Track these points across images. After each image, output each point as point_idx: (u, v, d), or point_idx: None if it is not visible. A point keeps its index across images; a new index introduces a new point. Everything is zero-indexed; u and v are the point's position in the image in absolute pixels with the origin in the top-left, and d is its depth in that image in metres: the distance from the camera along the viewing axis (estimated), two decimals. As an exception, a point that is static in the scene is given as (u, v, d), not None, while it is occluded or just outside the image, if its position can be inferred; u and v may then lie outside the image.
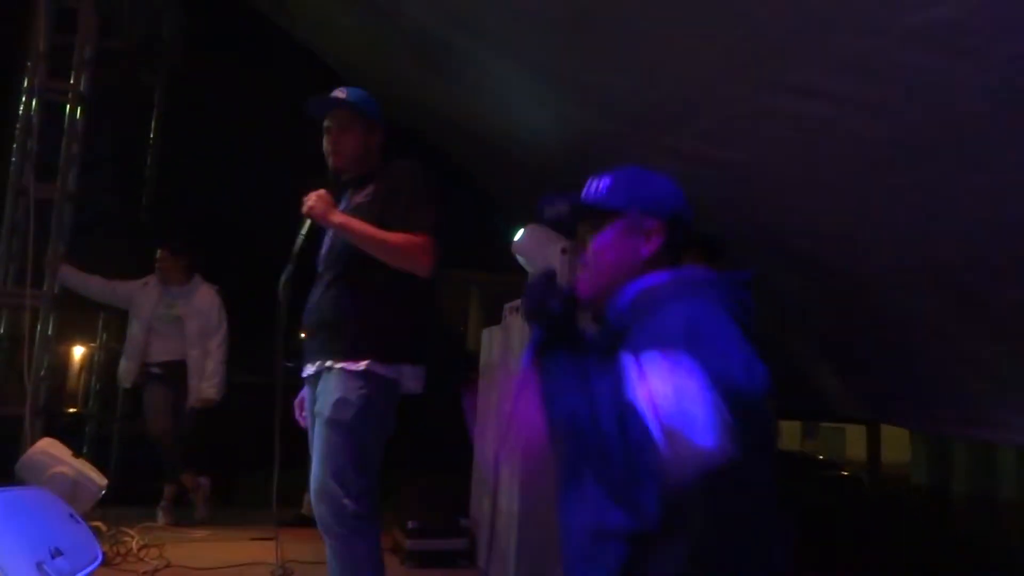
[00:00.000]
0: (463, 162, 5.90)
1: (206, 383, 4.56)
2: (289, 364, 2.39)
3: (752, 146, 2.82)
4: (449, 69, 4.10)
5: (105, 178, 5.78)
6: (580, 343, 1.39)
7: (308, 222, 2.30)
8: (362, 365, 2.21)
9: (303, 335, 2.46)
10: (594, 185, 1.43)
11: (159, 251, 4.69)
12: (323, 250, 2.45)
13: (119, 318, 5.11)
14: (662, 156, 3.22)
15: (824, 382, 5.27)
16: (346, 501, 2.16)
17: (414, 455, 6.23)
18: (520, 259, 3.57)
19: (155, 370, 4.59)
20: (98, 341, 5.68)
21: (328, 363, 2.26)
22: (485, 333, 4.23)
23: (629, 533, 1.18)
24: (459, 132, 5.01)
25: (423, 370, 2.35)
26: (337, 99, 2.41)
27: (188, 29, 6.40)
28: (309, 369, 2.34)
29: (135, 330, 4.61)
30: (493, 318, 4.20)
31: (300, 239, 2.33)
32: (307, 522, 4.17)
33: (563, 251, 3.61)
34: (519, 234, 3.53)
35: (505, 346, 3.82)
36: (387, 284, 2.27)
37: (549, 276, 1.44)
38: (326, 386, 2.25)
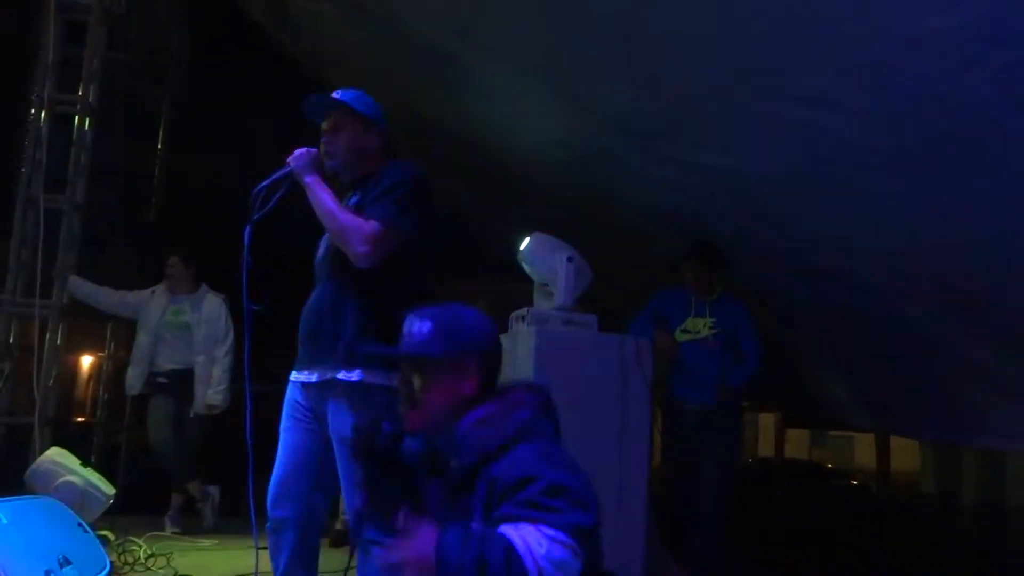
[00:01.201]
0: (469, 173, 5.92)
1: (212, 390, 4.58)
2: (255, 308, 2.36)
3: (753, 154, 2.83)
4: (451, 82, 4.12)
5: (113, 189, 5.82)
6: (408, 473, 1.63)
7: (284, 172, 2.27)
8: (375, 378, 2.17)
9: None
10: (415, 328, 1.59)
11: (171, 258, 4.72)
12: (319, 253, 2.40)
13: (127, 328, 5.14)
14: (663, 165, 3.24)
15: (831, 393, 5.26)
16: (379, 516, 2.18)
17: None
18: (525, 267, 3.58)
19: (161, 379, 4.61)
20: (106, 351, 5.71)
21: (328, 374, 2.21)
22: (491, 342, 4.23)
23: None
24: (463, 143, 5.03)
25: None
26: (329, 99, 2.35)
27: (195, 42, 6.46)
28: (307, 376, 2.30)
29: (142, 339, 4.64)
30: (500, 327, 4.20)
31: (269, 181, 2.28)
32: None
33: (569, 259, 3.63)
34: (525, 242, 3.55)
35: (511, 355, 3.82)
36: (388, 286, 2.21)
37: (374, 423, 1.66)
38: (337, 404, 2.20)
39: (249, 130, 6.46)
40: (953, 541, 6.86)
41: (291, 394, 2.38)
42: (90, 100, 4.51)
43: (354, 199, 2.30)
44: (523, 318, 3.76)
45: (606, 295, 4.74)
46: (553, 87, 3.50)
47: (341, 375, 2.18)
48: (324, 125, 2.35)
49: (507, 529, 1.33)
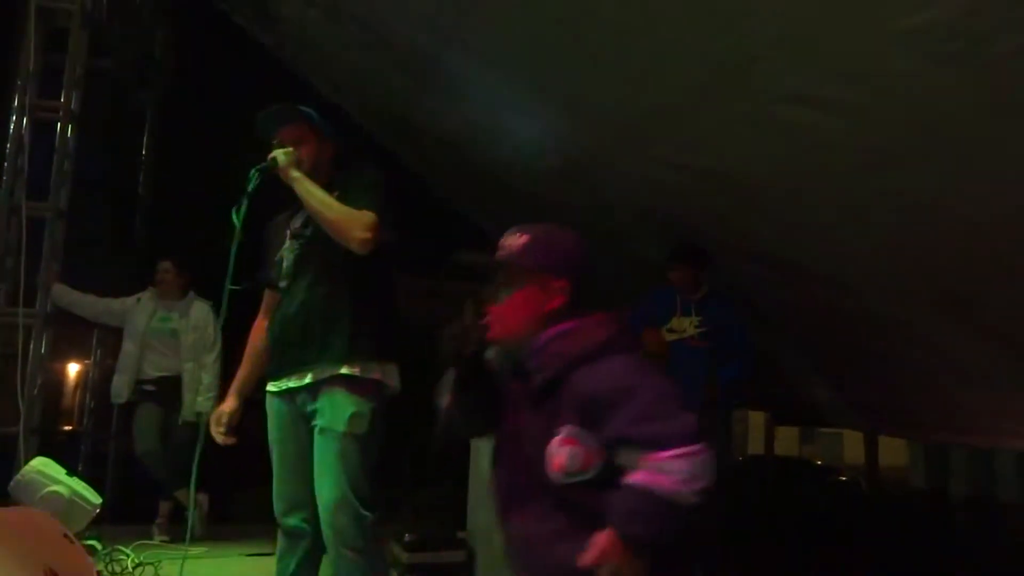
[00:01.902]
0: (457, 175, 5.92)
1: (201, 396, 4.56)
2: (237, 287, 2.38)
3: (740, 154, 2.84)
4: (438, 86, 4.11)
5: (98, 196, 5.78)
6: (491, 379, 1.66)
7: (261, 170, 2.34)
8: (371, 373, 2.27)
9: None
10: (511, 241, 1.64)
11: (163, 263, 4.69)
12: (285, 263, 2.45)
13: (114, 335, 5.10)
14: (651, 166, 3.24)
15: (817, 393, 5.27)
16: (365, 512, 2.22)
17: (412, 468, 6.23)
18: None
19: (148, 387, 4.58)
20: (93, 358, 5.67)
21: (326, 372, 2.26)
22: (480, 345, 4.22)
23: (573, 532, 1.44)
24: (450, 146, 5.02)
25: (398, 367, 2.39)
26: (291, 112, 2.43)
27: (179, 47, 6.43)
28: (296, 381, 2.32)
29: (129, 346, 4.61)
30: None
31: (255, 176, 2.34)
32: None
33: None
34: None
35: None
36: (366, 282, 2.31)
37: (469, 324, 1.68)
38: (331, 398, 2.25)
39: (235, 135, 6.43)
40: (942, 536, 6.90)
41: (276, 405, 2.40)
42: (72, 107, 4.48)
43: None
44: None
45: (595, 296, 4.74)
46: (539, 89, 3.49)
47: (344, 370, 2.25)
48: (280, 139, 2.41)
49: (638, 477, 1.38)
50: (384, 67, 4.43)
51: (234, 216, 2.36)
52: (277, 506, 2.39)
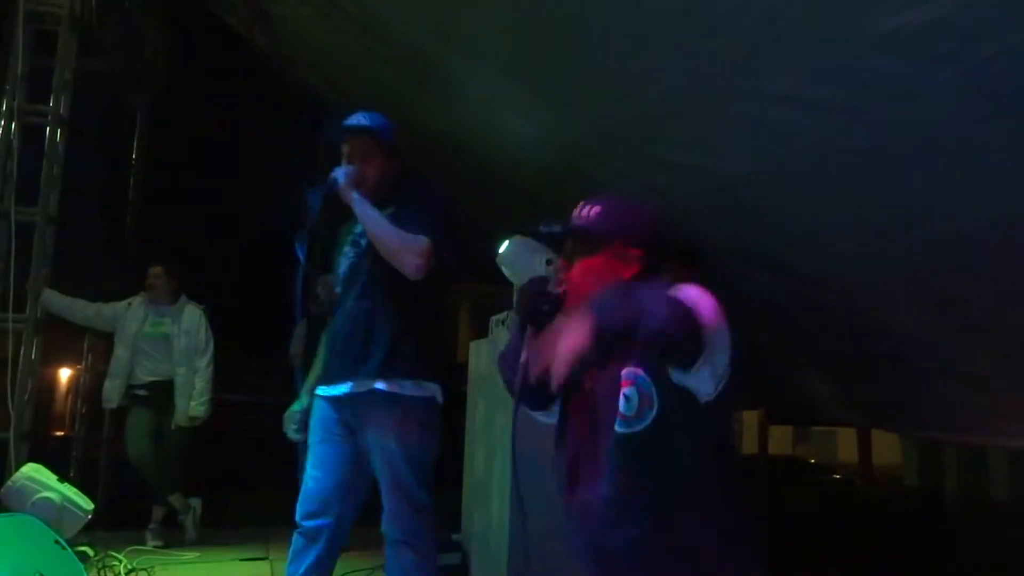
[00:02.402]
0: (452, 175, 5.91)
1: (195, 401, 4.55)
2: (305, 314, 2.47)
3: (731, 154, 2.84)
4: (435, 84, 4.11)
5: (88, 200, 5.76)
6: None
7: (335, 183, 2.35)
8: (407, 391, 2.31)
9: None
10: (585, 210, 1.65)
11: (155, 268, 4.68)
12: (341, 269, 2.51)
13: (105, 340, 5.08)
14: (644, 166, 3.24)
15: (813, 390, 5.28)
16: (421, 524, 2.31)
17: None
18: (505, 270, 3.57)
19: (140, 391, 4.56)
20: (84, 363, 5.64)
21: (364, 386, 2.31)
22: (473, 346, 4.22)
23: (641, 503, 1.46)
24: (446, 146, 5.02)
25: (441, 385, 2.46)
26: (360, 127, 2.48)
27: (170, 50, 6.40)
28: (336, 389, 2.38)
29: (120, 351, 4.59)
30: (483, 330, 4.19)
31: (318, 201, 2.34)
32: None
33: (548, 262, 3.62)
34: (504, 246, 3.54)
35: (493, 359, 3.80)
36: (413, 300, 2.35)
37: (542, 281, 1.69)
38: (384, 412, 2.30)
39: (227, 138, 6.41)
40: (935, 534, 6.92)
41: (321, 409, 2.45)
42: (61, 111, 4.46)
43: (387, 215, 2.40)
44: (503, 322, 3.76)
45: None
46: (533, 88, 3.49)
47: (378, 385, 2.29)
48: (350, 149, 2.48)
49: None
50: (379, 64, 4.42)
51: (297, 249, 2.36)
52: (302, 507, 2.42)
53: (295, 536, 2.41)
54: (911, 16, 1.94)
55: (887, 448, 11.66)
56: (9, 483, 3.40)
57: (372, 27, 3.94)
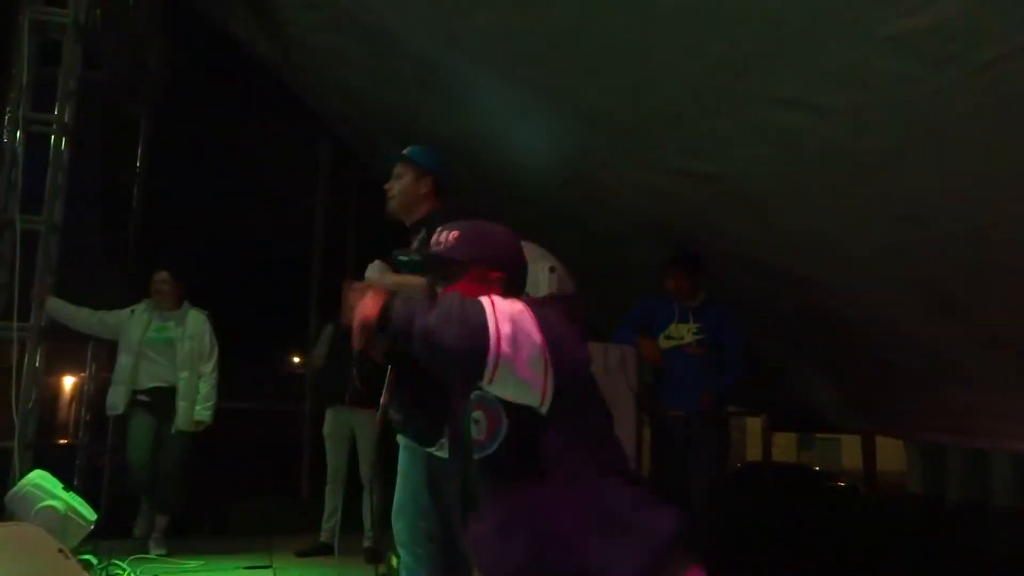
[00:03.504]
0: (460, 181, 5.91)
1: (200, 405, 4.54)
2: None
3: (737, 159, 2.84)
4: (439, 90, 4.12)
5: (92, 208, 5.77)
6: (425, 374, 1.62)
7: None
8: None
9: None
10: (443, 236, 1.65)
11: (160, 273, 4.68)
12: None
13: (109, 348, 5.08)
14: (650, 171, 3.24)
15: (817, 395, 5.27)
16: (422, 523, 2.39)
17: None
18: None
19: (142, 397, 4.55)
20: (88, 371, 5.63)
21: None
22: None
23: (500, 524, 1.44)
24: (451, 150, 5.02)
25: None
26: (396, 155, 2.76)
27: (173, 59, 6.41)
28: None
29: (124, 358, 4.58)
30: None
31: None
32: (327, 550, 4.30)
33: (551, 269, 3.62)
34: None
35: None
36: None
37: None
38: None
39: (229, 146, 6.42)
40: (940, 540, 6.89)
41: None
42: (66, 120, 4.46)
43: (421, 235, 2.60)
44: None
45: (590, 303, 4.74)
46: (538, 95, 3.50)
47: None
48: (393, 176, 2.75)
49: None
50: (387, 72, 4.43)
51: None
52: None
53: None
54: (917, 19, 1.95)
55: (891, 455, 11.62)
56: (15, 489, 3.40)
57: (379, 32, 3.96)
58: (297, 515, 5.25)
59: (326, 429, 4.68)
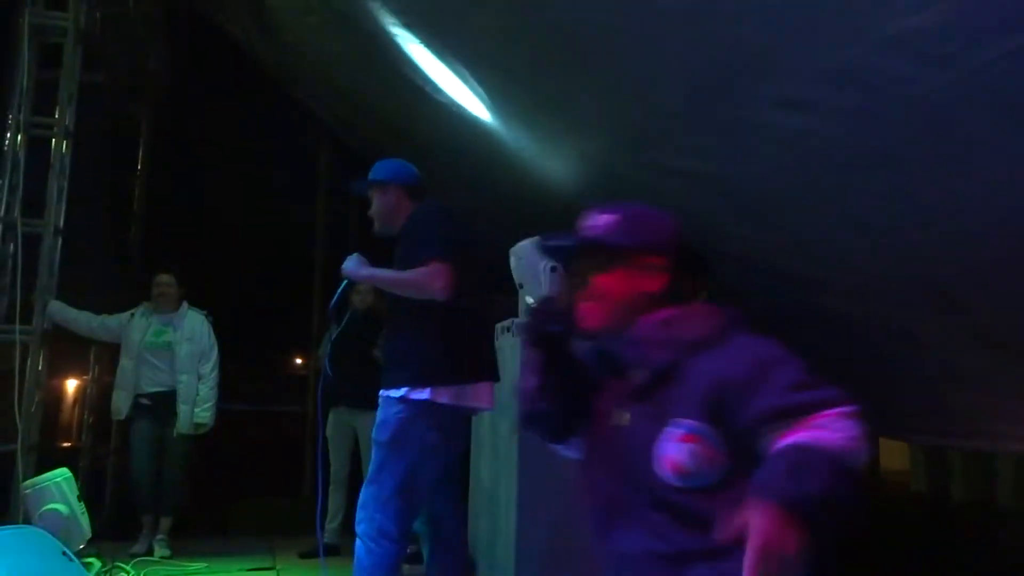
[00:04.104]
0: (455, 185, 5.92)
1: (200, 407, 4.54)
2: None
3: (736, 159, 2.84)
4: (436, 96, 4.12)
5: (93, 211, 5.78)
6: (574, 363, 1.50)
7: (344, 282, 2.74)
8: (399, 391, 2.58)
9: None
10: (596, 220, 1.46)
11: (162, 276, 4.69)
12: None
13: (111, 351, 5.09)
14: (645, 172, 3.24)
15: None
16: (378, 515, 2.52)
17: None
18: (512, 260, 3.62)
19: (145, 401, 4.56)
20: (90, 374, 5.65)
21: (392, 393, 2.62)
22: (478, 354, 4.21)
23: (698, 551, 1.26)
24: (449, 155, 5.03)
25: (467, 387, 2.66)
26: (359, 183, 2.92)
27: (173, 61, 6.43)
28: None
29: (126, 362, 4.59)
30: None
31: (336, 297, 2.82)
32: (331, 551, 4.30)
33: (552, 269, 3.62)
34: (523, 242, 3.58)
35: (498, 366, 3.80)
36: (412, 317, 2.63)
37: (550, 300, 1.52)
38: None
39: (230, 148, 6.43)
40: (943, 539, 6.89)
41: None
42: (67, 123, 4.48)
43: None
44: (508, 329, 3.75)
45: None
46: (535, 98, 3.50)
47: (386, 393, 2.65)
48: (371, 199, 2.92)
49: (795, 435, 1.17)
50: (385, 76, 4.43)
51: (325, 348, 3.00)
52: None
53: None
54: (917, 19, 1.95)
55: (894, 454, 11.61)
56: (37, 480, 3.45)
57: (376, 35, 3.96)
58: (297, 516, 5.27)
59: (328, 430, 4.69)
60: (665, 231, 1.49)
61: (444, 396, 2.56)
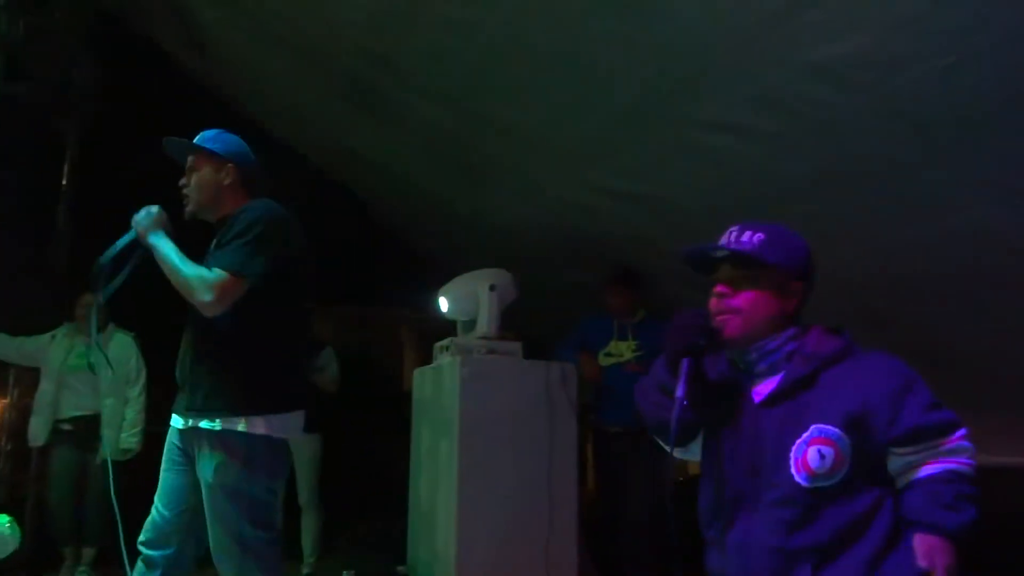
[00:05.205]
0: (397, 203, 5.89)
1: (126, 432, 4.35)
2: None
3: (669, 180, 2.90)
4: (375, 113, 4.10)
5: (13, 228, 5.56)
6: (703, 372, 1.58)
7: (131, 234, 2.26)
8: (237, 424, 2.11)
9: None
10: (747, 236, 1.53)
11: (86, 296, 4.45)
12: None
13: (32, 373, 4.86)
14: (584, 191, 3.27)
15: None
16: (250, 563, 2.12)
17: (352, 501, 6.09)
18: (453, 318, 3.67)
19: (65, 426, 4.35)
20: (9, 398, 5.39)
21: (200, 422, 2.14)
22: (417, 374, 4.18)
23: (809, 549, 1.43)
24: (391, 174, 5.00)
25: (298, 415, 2.25)
26: (183, 142, 2.32)
27: (103, 75, 6.25)
28: (178, 421, 2.26)
29: (45, 385, 4.37)
30: (427, 358, 4.15)
31: (113, 250, 2.28)
32: None
33: (491, 287, 3.63)
34: (442, 303, 3.65)
35: (437, 386, 3.78)
36: (247, 330, 2.14)
37: (697, 314, 1.57)
38: (204, 448, 2.14)
39: (163, 165, 6.27)
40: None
41: (170, 436, 2.31)
42: (-14, 136, 4.30)
43: (213, 243, 2.23)
44: (447, 348, 3.73)
45: (532, 322, 4.75)
46: (472, 115, 3.51)
47: (203, 424, 2.12)
48: (186, 170, 2.32)
49: (942, 464, 1.42)
50: (320, 94, 4.39)
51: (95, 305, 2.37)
52: (144, 531, 2.26)
53: (138, 561, 2.25)
54: (835, 47, 2.03)
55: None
56: None
57: (308, 53, 3.92)
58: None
59: None
60: (803, 255, 1.57)
61: (283, 428, 2.20)
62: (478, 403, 3.35)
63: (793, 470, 1.44)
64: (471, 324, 3.70)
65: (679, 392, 1.50)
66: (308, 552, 4.34)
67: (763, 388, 1.53)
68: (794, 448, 1.45)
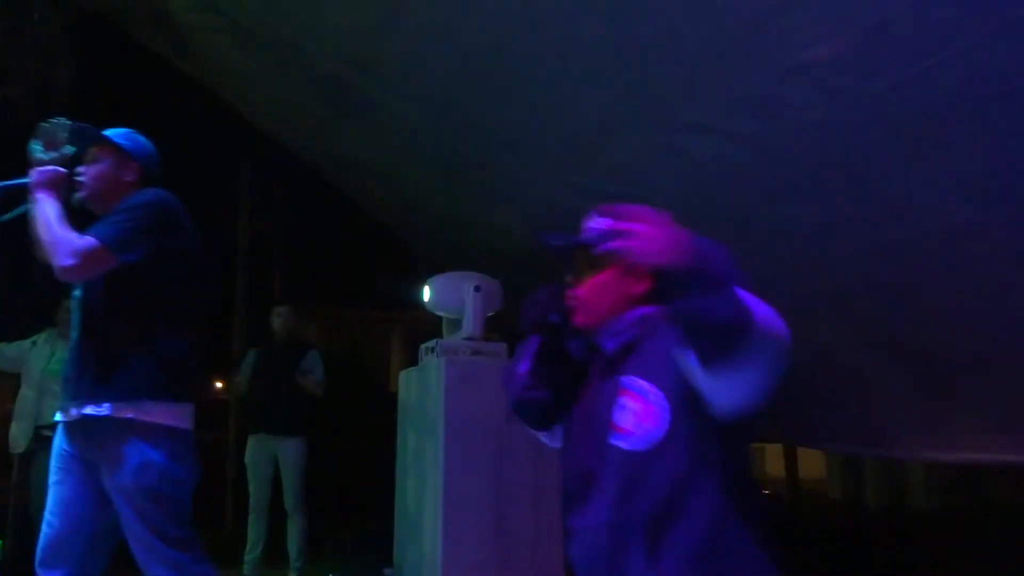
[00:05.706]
0: (381, 206, 5.87)
1: None
2: None
3: (651, 182, 2.91)
4: (356, 114, 4.08)
5: (-6, 233, 5.49)
6: (566, 355, 1.57)
7: (24, 181, 2.20)
8: (140, 411, 2.01)
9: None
10: (595, 222, 1.51)
11: (67, 300, 4.41)
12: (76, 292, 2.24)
13: (12, 380, 4.81)
14: (566, 193, 3.28)
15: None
16: (185, 558, 2.01)
17: (336, 504, 6.08)
18: (437, 311, 3.66)
19: (47, 432, 4.31)
20: (-11, 405, 5.34)
21: (86, 409, 2.03)
22: (402, 376, 4.17)
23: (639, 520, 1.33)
24: (374, 175, 4.98)
25: (191, 407, 2.14)
26: (94, 134, 2.26)
27: (84, 75, 6.20)
28: (62, 415, 2.14)
29: (26, 391, 4.34)
30: (413, 359, 4.15)
31: (6, 185, 2.23)
32: None
33: (476, 288, 3.64)
34: (427, 293, 3.65)
35: (422, 387, 3.78)
36: (132, 323, 2.08)
37: (555, 291, 1.57)
38: (113, 445, 2.01)
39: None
40: (860, 541, 7.14)
41: (58, 441, 2.18)
42: (-36, 139, 4.25)
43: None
44: (432, 349, 3.73)
45: (517, 324, 4.76)
46: (453, 118, 3.51)
47: (88, 409, 2.02)
48: (86, 158, 2.25)
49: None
50: (302, 96, 4.37)
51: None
52: (38, 552, 2.13)
53: None
54: (815, 52, 2.04)
55: (812, 463, 12.02)
56: None
57: (291, 56, 3.91)
58: (220, 548, 5.09)
59: (248, 457, 4.53)
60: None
61: (185, 418, 2.11)
62: (463, 404, 3.36)
63: (614, 435, 1.38)
64: (457, 324, 3.70)
65: (521, 367, 1.51)
66: (294, 556, 4.33)
67: (603, 359, 1.52)
68: (613, 413, 1.40)
